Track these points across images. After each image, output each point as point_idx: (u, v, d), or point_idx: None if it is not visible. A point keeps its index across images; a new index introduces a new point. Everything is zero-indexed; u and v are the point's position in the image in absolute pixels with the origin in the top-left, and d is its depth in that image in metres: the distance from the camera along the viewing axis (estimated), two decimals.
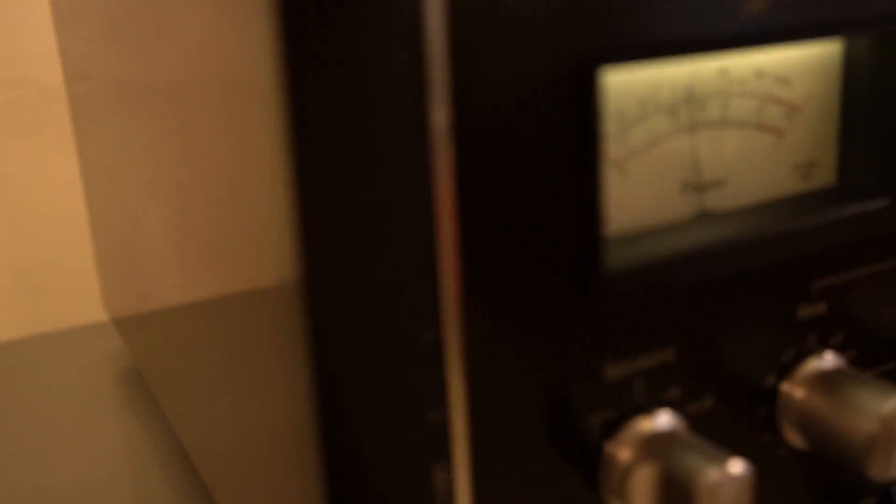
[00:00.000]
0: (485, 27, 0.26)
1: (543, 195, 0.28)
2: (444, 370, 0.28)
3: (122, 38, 0.41)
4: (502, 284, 0.28)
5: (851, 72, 0.35)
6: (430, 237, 0.27)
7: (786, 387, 0.35)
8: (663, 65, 0.31)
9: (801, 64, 0.35)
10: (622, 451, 0.31)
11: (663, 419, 0.32)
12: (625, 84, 0.31)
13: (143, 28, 0.37)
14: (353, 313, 0.27)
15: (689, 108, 0.33)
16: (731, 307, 0.33)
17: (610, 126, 0.31)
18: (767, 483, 0.37)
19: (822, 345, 0.36)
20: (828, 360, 0.35)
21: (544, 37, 0.27)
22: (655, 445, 0.31)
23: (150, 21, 0.35)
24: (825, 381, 0.35)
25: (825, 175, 0.37)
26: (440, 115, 0.26)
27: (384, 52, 0.25)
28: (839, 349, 0.36)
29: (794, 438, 0.36)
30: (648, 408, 0.32)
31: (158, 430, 0.54)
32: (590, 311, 0.30)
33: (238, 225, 0.29)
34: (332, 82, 0.25)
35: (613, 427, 0.32)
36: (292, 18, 0.23)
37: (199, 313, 0.36)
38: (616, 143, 0.31)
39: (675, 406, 0.33)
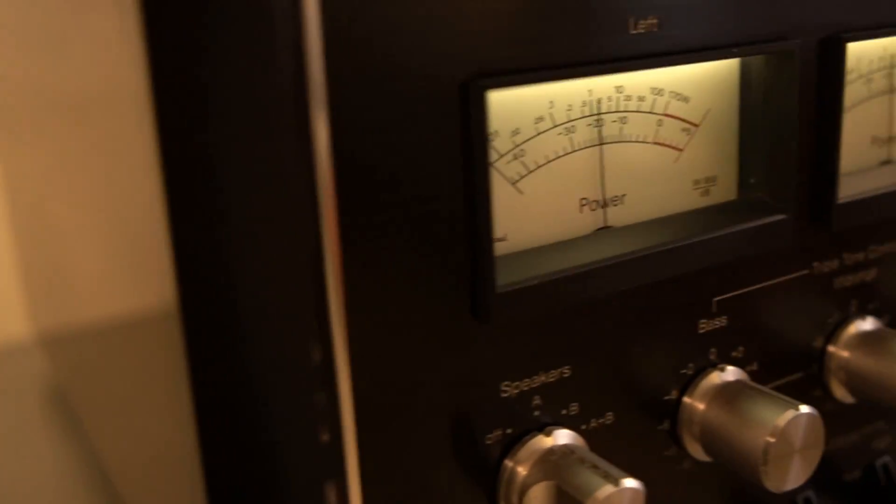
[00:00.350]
0: (371, 49, 0.26)
1: (433, 215, 0.28)
2: (334, 389, 0.28)
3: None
4: (392, 304, 0.28)
5: (748, 89, 0.36)
6: (315, 257, 0.27)
7: (687, 400, 0.36)
8: (557, 83, 0.31)
9: (698, 81, 0.35)
10: (520, 468, 0.32)
11: (560, 436, 0.32)
12: (519, 102, 0.31)
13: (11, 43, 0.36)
14: (237, 335, 0.27)
15: (587, 125, 0.33)
16: (631, 322, 0.34)
17: (505, 144, 0.31)
18: (674, 496, 0.37)
19: (724, 358, 0.36)
20: (729, 373, 0.36)
21: (429, 58, 0.27)
22: (551, 462, 0.31)
23: (20, 35, 0.35)
24: (725, 394, 0.35)
25: (726, 190, 0.37)
26: (321, 135, 0.26)
27: (264, 73, 0.25)
28: (740, 362, 0.37)
29: (697, 451, 0.36)
30: (547, 425, 0.32)
31: (82, 451, 0.53)
32: (484, 330, 0.30)
33: (115, 248, 0.29)
34: (208, 103, 0.24)
35: (512, 444, 0.32)
36: (161, 42, 0.23)
37: (91, 333, 0.36)
38: (511, 160, 0.31)
39: (574, 422, 0.33)
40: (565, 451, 0.31)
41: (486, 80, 0.28)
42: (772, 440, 0.33)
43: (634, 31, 0.31)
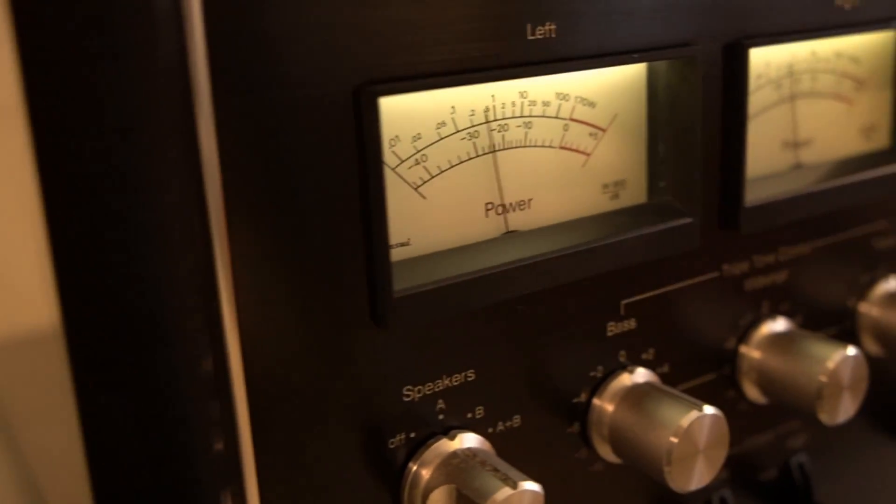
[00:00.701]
0: (261, 55, 0.26)
1: (330, 221, 0.28)
2: (228, 397, 0.28)
3: None
4: (288, 310, 0.28)
5: (655, 94, 0.36)
6: (205, 266, 0.26)
7: (597, 402, 0.36)
8: (459, 88, 0.32)
9: (605, 86, 0.35)
10: (424, 472, 0.32)
11: (465, 439, 0.32)
12: (421, 107, 0.31)
13: None
14: (128, 346, 0.26)
15: (489, 131, 0.33)
16: (538, 325, 0.34)
17: (406, 149, 0.31)
18: (587, 499, 0.37)
19: (634, 360, 0.37)
20: (638, 375, 0.36)
21: (323, 64, 0.27)
22: (453, 466, 0.31)
23: None
24: (632, 395, 0.35)
25: (636, 194, 0.37)
26: (208, 143, 0.25)
27: (147, 79, 0.25)
28: (651, 364, 0.37)
29: (608, 453, 0.36)
30: (452, 428, 0.32)
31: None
32: (384, 334, 0.30)
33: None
34: (88, 110, 0.24)
35: (416, 447, 0.32)
36: (36, 46, 0.23)
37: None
38: (413, 165, 0.32)
39: (480, 425, 0.33)
40: (468, 454, 0.32)
41: (378, 86, 0.28)
42: (675, 441, 0.33)
43: (532, 37, 0.31)
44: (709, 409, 0.34)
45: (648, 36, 0.34)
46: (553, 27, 0.31)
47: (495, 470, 0.30)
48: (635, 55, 0.33)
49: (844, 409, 0.38)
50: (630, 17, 0.33)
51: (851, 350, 0.38)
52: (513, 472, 0.30)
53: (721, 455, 0.35)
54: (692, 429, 0.33)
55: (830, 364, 0.37)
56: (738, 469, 0.42)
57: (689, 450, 0.34)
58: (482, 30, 0.30)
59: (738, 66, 0.36)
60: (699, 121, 0.35)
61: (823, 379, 0.37)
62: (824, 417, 0.38)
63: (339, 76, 0.28)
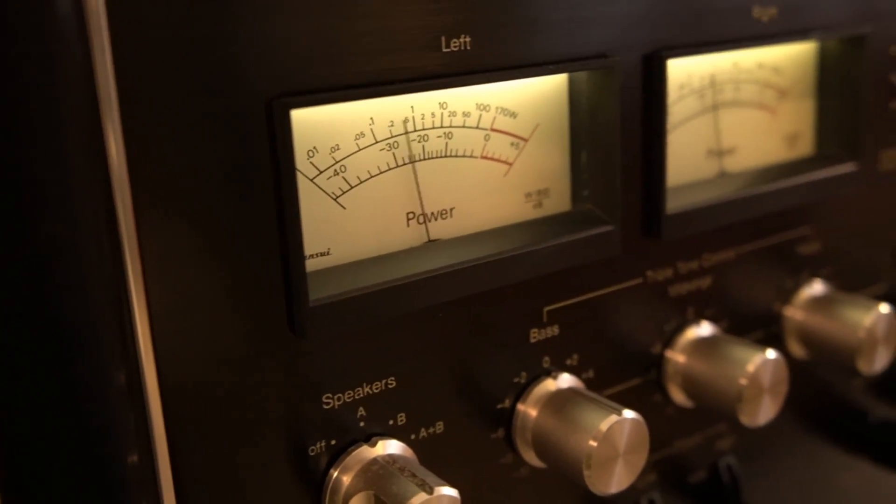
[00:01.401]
0: (173, 67, 0.26)
1: (246, 231, 0.29)
2: (143, 410, 0.28)
3: None
4: (205, 320, 0.29)
5: (577, 104, 0.37)
6: (117, 275, 0.27)
7: (521, 407, 0.36)
8: (377, 100, 0.32)
9: (526, 97, 0.36)
10: (344, 478, 0.32)
11: (387, 446, 0.33)
12: (339, 118, 0.32)
13: None
14: (35, 359, 0.27)
15: (409, 141, 0.33)
16: (460, 333, 0.34)
17: (324, 160, 0.32)
18: (506, 501, 0.38)
19: (558, 366, 0.37)
20: (562, 380, 0.37)
21: (236, 76, 0.28)
22: (372, 472, 0.31)
23: None
24: (555, 401, 0.36)
25: (560, 202, 0.38)
26: (115, 154, 0.26)
27: (53, 88, 0.25)
28: (576, 370, 0.38)
29: (532, 458, 0.37)
30: (374, 435, 0.33)
31: None
32: (302, 343, 0.31)
33: None
34: None
35: (338, 454, 0.32)
36: None
37: None
38: (332, 176, 0.32)
39: (403, 432, 0.34)
40: (388, 460, 0.32)
41: (290, 98, 0.28)
42: (594, 444, 0.34)
43: (447, 50, 0.31)
44: (629, 414, 0.35)
45: (566, 47, 0.35)
46: (468, 39, 0.32)
47: (413, 475, 0.31)
48: (551, 66, 0.34)
49: (765, 412, 0.39)
50: (548, 29, 0.34)
51: (771, 353, 0.39)
52: (431, 478, 0.31)
53: (641, 459, 0.35)
54: (611, 433, 0.34)
55: (750, 367, 0.38)
56: (666, 471, 0.43)
57: (608, 453, 0.34)
58: (397, 43, 0.30)
59: (656, 77, 0.37)
60: (617, 131, 0.36)
61: (743, 382, 0.38)
62: (745, 420, 0.39)
63: (252, 88, 0.28)
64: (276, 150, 0.28)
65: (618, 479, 0.35)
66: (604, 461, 0.34)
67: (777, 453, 0.47)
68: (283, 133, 0.28)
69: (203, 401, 0.29)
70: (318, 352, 0.31)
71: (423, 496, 0.30)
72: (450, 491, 0.30)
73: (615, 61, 0.35)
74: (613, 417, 0.34)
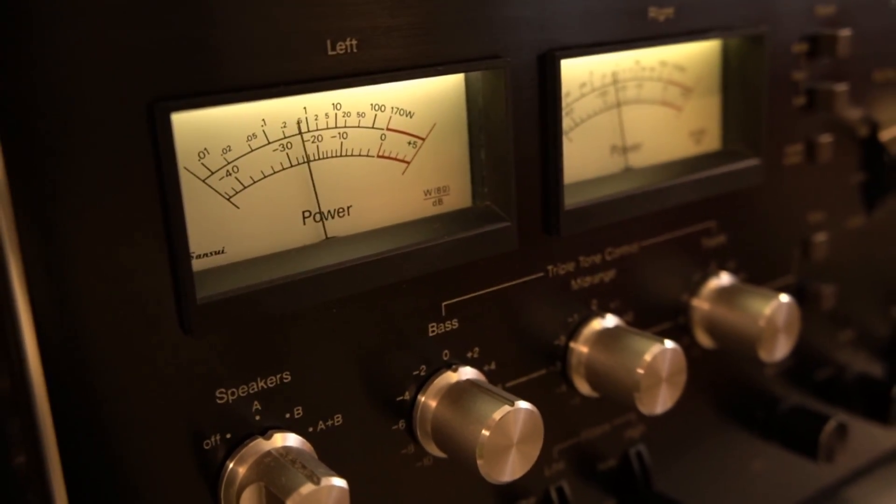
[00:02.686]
0: (51, 71, 0.27)
1: (133, 232, 0.30)
2: (31, 413, 0.29)
3: None
4: (95, 318, 0.29)
5: (473, 104, 0.38)
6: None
7: (421, 399, 0.37)
8: (266, 102, 0.33)
9: (422, 97, 0.37)
10: (240, 470, 0.33)
11: (281, 439, 0.33)
12: (230, 120, 0.32)
13: None
14: None
15: (303, 142, 0.34)
16: (357, 327, 0.35)
17: (216, 161, 0.32)
18: (419, 493, 0.39)
19: (459, 359, 0.38)
20: (462, 373, 0.38)
21: (116, 81, 0.28)
22: (265, 464, 0.32)
23: None
24: (452, 392, 0.37)
25: (460, 199, 0.39)
26: None
27: None
28: (477, 362, 0.39)
29: (433, 448, 0.38)
30: (270, 428, 0.34)
31: None
32: (192, 340, 0.31)
33: None
34: None
35: (233, 447, 0.33)
36: None
37: None
38: (224, 176, 0.33)
39: (300, 425, 0.35)
40: (281, 452, 0.33)
41: (170, 102, 0.29)
42: (487, 434, 0.35)
43: (333, 53, 0.32)
44: (522, 404, 0.36)
45: (458, 48, 0.35)
46: (354, 42, 0.33)
47: (303, 467, 0.32)
48: (439, 68, 0.35)
49: (663, 401, 0.40)
50: (438, 30, 0.35)
51: (668, 344, 0.40)
52: (321, 469, 0.32)
53: (535, 449, 0.36)
54: (504, 422, 0.35)
55: (648, 357, 0.39)
56: (575, 460, 0.44)
57: (501, 442, 0.35)
58: (281, 46, 0.31)
59: (550, 76, 0.38)
60: (511, 130, 0.37)
61: (641, 372, 0.39)
62: (643, 409, 0.40)
63: (134, 92, 0.29)
64: (158, 154, 0.29)
65: (511, 468, 0.36)
66: (497, 450, 0.35)
67: (688, 441, 0.48)
68: (164, 136, 0.29)
69: (94, 400, 0.30)
70: (209, 348, 0.32)
71: (309, 486, 0.31)
72: (338, 482, 0.31)
73: (505, 62, 0.36)
74: (506, 408, 0.35)
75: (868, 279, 0.56)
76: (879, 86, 0.52)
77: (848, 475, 0.59)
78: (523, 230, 0.39)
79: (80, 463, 0.30)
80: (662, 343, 0.40)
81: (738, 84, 0.46)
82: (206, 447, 0.33)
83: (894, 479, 0.60)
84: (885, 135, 0.52)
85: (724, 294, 0.46)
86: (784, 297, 0.45)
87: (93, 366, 0.30)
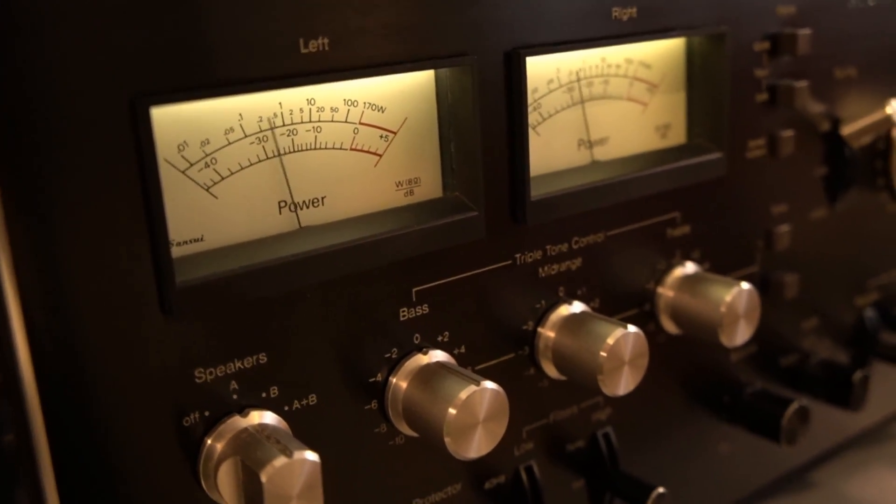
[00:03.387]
0: (34, 68, 0.29)
1: (116, 221, 0.31)
2: (17, 394, 0.30)
3: None
4: (77, 300, 0.31)
5: (443, 99, 0.40)
6: None
7: (393, 380, 0.39)
8: (245, 97, 0.35)
9: (394, 92, 0.39)
10: (218, 446, 0.35)
11: (258, 416, 0.35)
12: (209, 114, 0.34)
13: None
14: None
15: (278, 136, 0.36)
16: (330, 312, 0.37)
17: (195, 153, 0.34)
18: (391, 470, 0.41)
19: (429, 342, 0.40)
20: (432, 355, 0.40)
21: (96, 76, 0.30)
22: (241, 440, 0.34)
23: None
24: (423, 374, 0.39)
25: (431, 190, 0.41)
26: None
27: None
28: (447, 346, 0.41)
29: (404, 427, 0.40)
30: (247, 406, 0.36)
31: None
32: (171, 321, 0.33)
33: None
34: None
35: (212, 425, 0.35)
36: None
37: None
38: (203, 168, 0.35)
39: (276, 404, 0.36)
40: (257, 429, 0.35)
41: (150, 97, 0.31)
42: (454, 412, 0.37)
43: (305, 51, 0.34)
44: (488, 384, 0.38)
45: (427, 47, 0.37)
46: (326, 41, 0.35)
47: (277, 441, 0.34)
48: (408, 65, 0.37)
49: (625, 383, 0.42)
50: (408, 29, 0.37)
51: (631, 328, 0.42)
52: (293, 444, 0.33)
53: (501, 427, 0.38)
54: (470, 401, 0.37)
55: (610, 341, 0.41)
56: (544, 441, 0.46)
57: (468, 421, 0.37)
58: (256, 45, 0.33)
59: (515, 73, 0.40)
60: (478, 124, 0.39)
61: (604, 355, 0.41)
62: (606, 390, 0.42)
63: (116, 88, 0.30)
64: (139, 147, 0.31)
65: (477, 446, 0.38)
66: (463, 428, 0.37)
67: (655, 424, 0.50)
68: (144, 129, 0.31)
69: (79, 378, 0.32)
70: (188, 329, 0.34)
71: (282, 459, 0.32)
72: (310, 455, 0.33)
73: (472, 59, 0.38)
74: (472, 387, 0.37)
75: (832, 269, 0.58)
76: (840, 83, 0.54)
77: (814, 459, 0.61)
78: (491, 220, 0.41)
79: (67, 439, 0.32)
80: (625, 327, 0.42)
81: (701, 81, 0.48)
82: (186, 424, 0.34)
83: (859, 462, 0.63)
84: (846, 130, 0.54)
85: (687, 282, 0.48)
86: (745, 285, 0.46)
87: (78, 346, 0.32)
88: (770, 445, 0.55)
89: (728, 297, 0.46)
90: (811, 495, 0.59)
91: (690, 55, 0.48)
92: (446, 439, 0.37)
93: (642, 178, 0.45)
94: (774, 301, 0.54)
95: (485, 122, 0.40)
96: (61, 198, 0.30)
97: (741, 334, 0.47)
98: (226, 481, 0.34)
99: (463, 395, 0.37)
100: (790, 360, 0.57)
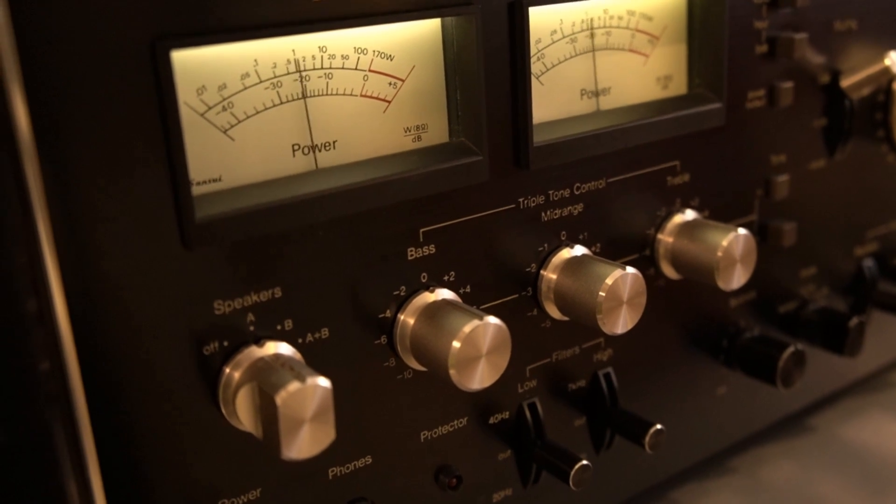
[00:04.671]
0: (60, 12, 0.31)
1: (140, 160, 0.33)
2: (52, 324, 0.33)
3: None
4: (102, 235, 0.33)
5: (449, 47, 0.41)
6: (22, 202, 0.31)
7: (401, 316, 0.41)
8: (259, 42, 0.36)
9: (402, 41, 0.40)
10: (235, 374, 0.37)
11: (274, 347, 0.38)
12: (226, 59, 0.36)
13: None
14: None
15: (292, 81, 0.38)
16: (342, 249, 0.39)
17: (213, 97, 0.36)
18: (399, 403, 0.43)
19: (436, 281, 0.42)
20: (438, 293, 0.42)
21: (118, 20, 0.32)
22: (258, 368, 0.36)
23: None
24: (429, 310, 0.41)
25: (438, 135, 0.43)
26: (16, 103, 0.30)
27: None
28: (453, 285, 0.43)
29: (412, 362, 0.42)
30: (262, 338, 0.38)
31: None
32: (192, 255, 0.35)
33: None
34: None
35: (231, 353, 0.37)
36: None
37: None
38: (221, 111, 0.36)
39: (290, 336, 0.39)
40: (273, 358, 0.37)
41: (170, 40, 0.33)
42: (458, 345, 0.39)
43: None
44: (491, 319, 0.39)
45: None
46: None
47: (291, 368, 0.36)
48: (413, 13, 0.38)
49: (623, 322, 0.44)
50: None
51: (629, 269, 0.44)
52: (307, 371, 0.35)
53: (503, 360, 0.40)
54: (474, 335, 0.39)
55: (609, 281, 0.43)
56: (547, 380, 0.48)
57: (471, 353, 0.39)
58: None
59: (518, 23, 0.41)
60: (482, 72, 0.40)
61: (603, 294, 0.43)
62: (606, 329, 0.44)
63: (137, 32, 0.32)
64: (160, 89, 0.33)
65: (480, 377, 0.40)
66: (467, 360, 0.39)
67: (655, 366, 0.52)
68: (164, 72, 0.33)
69: (107, 310, 0.34)
70: (207, 263, 0.36)
71: (296, 384, 0.35)
72: (323, 381, 0.35)
73: (476, 9, 0.40)
74: (475, 322, 0.39)
75: (832, 220, 0.59)
76: (840, 35, 0.55)
77: (811, 404, 0.63)
78: (495, 164, 0.43)
79: (96, 366, 0.34)
80: (623, 268, 0.44)
81: (701, 32, 0.49)
82: (206, 353, 0.37)
83: (856, 408, 0.64)
84: (846, 82, 0.55)
85: (685, 228, 0.49)
86: (741, 230, 0.48)
87: (106, 278, 0.34)
88: (768, 390, 0.57)
89: (725, 242, 0.48)
90: (807, 439, 0.61)
91: (691, 7, 0.50)
92: (451, 371, 0.39)
93: (642, 126, 0.47)
94: (773, 249, 0.56)
95: (489, 70, 0.41)
96: (87, 139, 0.32)
97: (737, 278, 0.49)
98: (244, 406, 0.36)
99: (467, 328, 0.39)
100: (789, 306, 0.58)
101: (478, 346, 0.39)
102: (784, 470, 0.59)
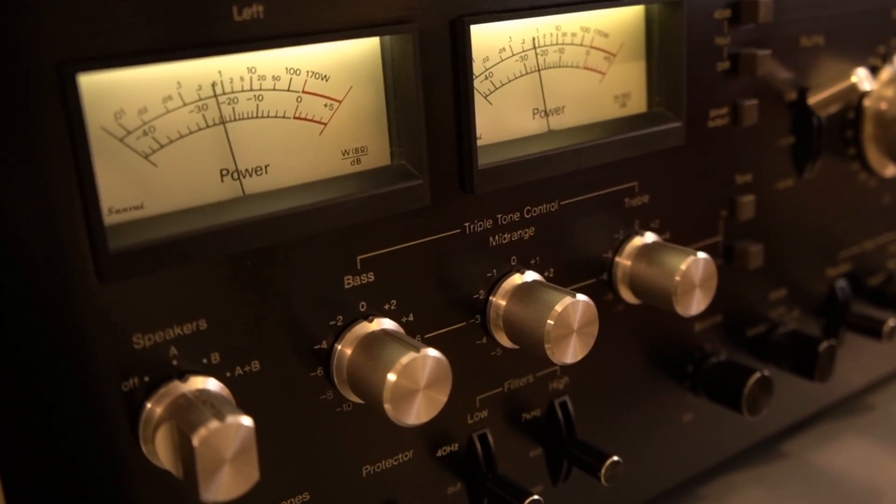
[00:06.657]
0: None
1: (48, 188, 0.32)
2: None
3: None
4: (17, 268, 0.32)
5: (389, 67, 0.40)
6: None
7: (338, 347, 0.40)
8: (181, 65, 0.35)
9: (338, 61, 0.39)
10: (157, 410, 0.35)
11: (197, 382, 0.36)
12: (146, 82, 0.34)
13: None
14: None
15: (218, 104, 0.36)
16: (274, 278, 0.38)
17: (132, 121, 0.35)
18: (340, 437, 0.41)
19: (376, 310, 0.41)
20: (377, 323, 0.40)
21: (25, 42, 0.30)
22: (178, 405, 0.35)
23: None
24: (366, 341, 0.39)
25: (379, 158, 0.41)
26: None
27: None
28: (394, 314, 0.41)
29: (350, 394, 0.40)
30: (188, 372, 0.36)
31: None
32: (107, 288, 0.34)
33: None
34: None
35: (152, 389, 0.36)
36: None
37: None
38: (141, 136, 0.35)
39: (218, 370, 0.37)
40: (196, 394, 0.35)
41: (76, 63, 0.31)
42: (393, 378, 0.37)
43: (239, 18, 0.34)
44: (430, 352, 0.38)
45: (367, 13, 0.37)
46: (261, 9, 0.35)
47: (212, 406, 0.34)
48: (346, 32, 0.37)
49: (573, 352, 0.42)
50: None
51: (580, 297, 0.42)
52: (228, 408, 0.34)
53: (442, 395, 0.38)
54: (410, 368, 0.37)
55: (559, 308, 0.41)
56: (500, 410, 0.46)
57: (408, 387, 0.37)
58: (187, 11, 0.33)
59: (460, 41, 0.40)
60: (420, 92, 0.39)
61: (551, 323, 0.41)
62: (555, 358, 0.42)
63: (43, 54, 0.31)
64: (67, 113, 0.31)
65: (416, 413, 0.38)
66: (403, 394, 0.37)
67: (616, 394, 0.50)
68: (71, 96, 0.31)
69: (21, 343, 0.32)
70: (125, 295, 0.34)
71: (215, 423, 0.33)
72: (245, 420, 0.33)
73: (413, 27, 0.38)
74: (412, 354, 0.37)
75: (802, 240, 0.58)
76: (807, 51, 0.53)
77: (783, 429, 0.61)
78: (438, 188, 0.41)
79: (10, 405, 0.33)
80: (574, 296, 0.42)
81: (660, 49, 0.48)
82: (125, 389, 0.35)
83: (830, 432, 0.63)
84: (813, 99, 0.54)
85: (644, 251, 0.48)
86: (700, 254, 0.46)
87: (18, 312, 0.32)
88: (738, 417, 0.55)
89: (683, 266, 0.46)
90: (779, 465, 0.60)
91: (649, 23, 0.48)
92: (386, 406, 0.37)
93: (595, 146, 0.45)
94: (740, 271, 0.54)
95: (431, 90, 0.40)
96: None
97: (696, 304, 0.47)
98: (162, 445, 0.34)
99: (403, 360, 0.37)
100: (758, 329, 0.57)
101: (415, 379, 0.38)
102: (755, 498, 0.57)
